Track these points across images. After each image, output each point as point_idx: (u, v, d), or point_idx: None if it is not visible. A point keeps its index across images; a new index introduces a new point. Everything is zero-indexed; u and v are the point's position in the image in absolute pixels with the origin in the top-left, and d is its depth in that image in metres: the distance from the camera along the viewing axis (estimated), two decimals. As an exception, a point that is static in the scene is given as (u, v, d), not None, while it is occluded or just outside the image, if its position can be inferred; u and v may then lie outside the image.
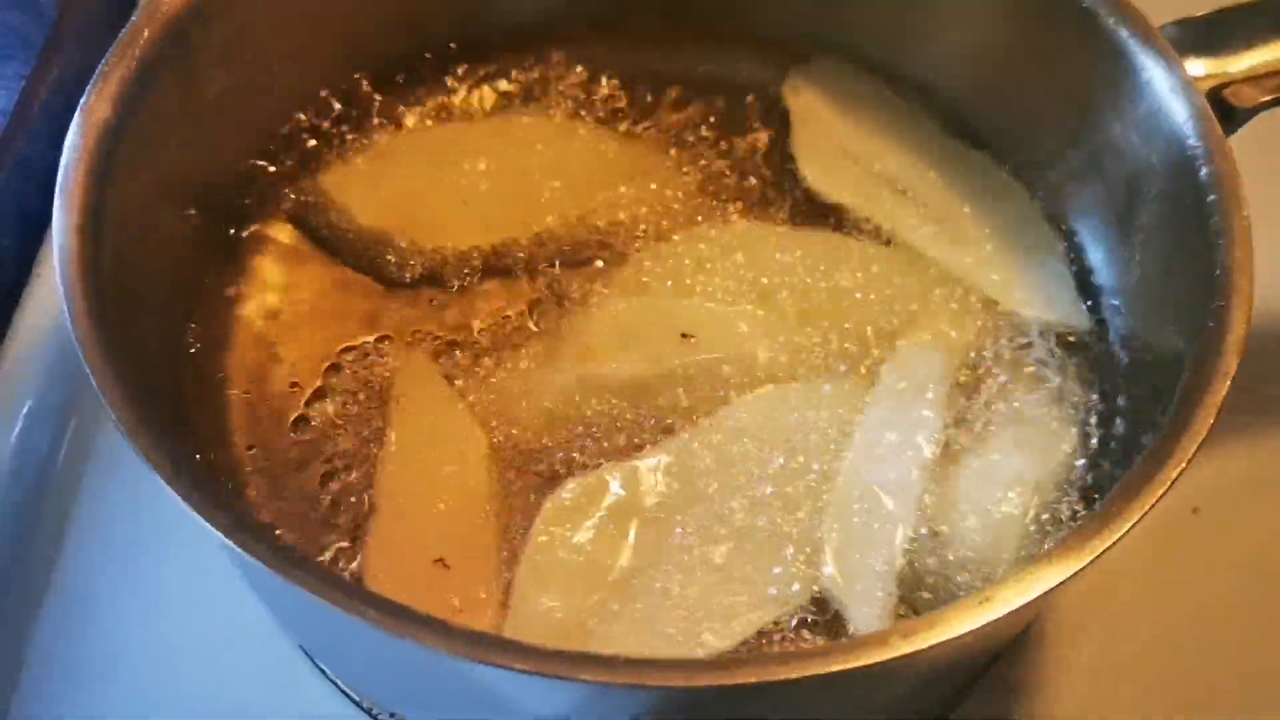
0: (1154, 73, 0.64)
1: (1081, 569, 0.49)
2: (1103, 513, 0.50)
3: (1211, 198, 0.59)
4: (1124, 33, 0.66)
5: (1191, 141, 0.61)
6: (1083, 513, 0.64)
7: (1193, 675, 0.68)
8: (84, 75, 0.85)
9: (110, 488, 0.74)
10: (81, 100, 0.59)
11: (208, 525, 0.48)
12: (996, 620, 0.47)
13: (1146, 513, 0.49)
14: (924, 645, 0.46)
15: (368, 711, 0.67)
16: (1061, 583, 0.48)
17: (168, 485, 0.49)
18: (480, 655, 0.46)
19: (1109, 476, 0.64)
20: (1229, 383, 0.52)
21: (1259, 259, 0.57)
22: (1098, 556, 0.49)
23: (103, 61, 0.61)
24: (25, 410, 0.76)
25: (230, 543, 0.48)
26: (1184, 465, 0.50)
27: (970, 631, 0.46)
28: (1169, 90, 0.63)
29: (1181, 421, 0.52)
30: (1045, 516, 0.64)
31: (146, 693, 0.68)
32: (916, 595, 0.62)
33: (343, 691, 0.68)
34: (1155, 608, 0.70)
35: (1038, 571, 0.48)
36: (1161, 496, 0.50)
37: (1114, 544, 0.49)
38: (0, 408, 0.75)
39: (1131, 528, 0.49)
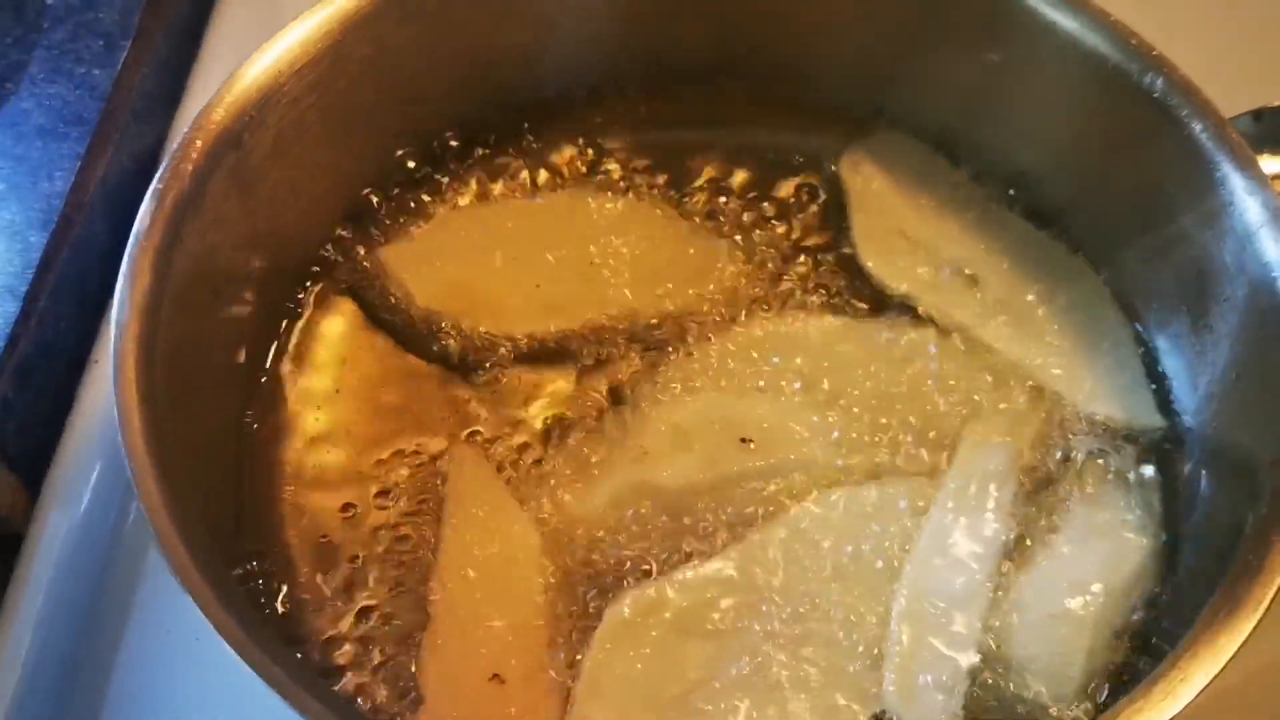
0: (1227, 170, 0.62)
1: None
2: (1176, 662, 0.49)
3: (1292, 307, 0.57)
4: (1196, 125, 0.64)
5: (1267, 246, 0.59)
6: (1165, 620, 0.62)
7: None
8: (140, 153, 0.87)
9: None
10: (135, 224, 0.59)
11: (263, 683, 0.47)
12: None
13: (1227, 664, 0.48)
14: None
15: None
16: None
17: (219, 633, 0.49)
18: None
19: (1182, 586, 0.62)
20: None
21: None
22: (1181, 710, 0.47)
23: (156, 178, 0.61)
24: (89, 488, 0.75)
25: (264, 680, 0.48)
26: (1244, 637, 0.48)
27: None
28: (1243, 190, 0.61)
29: (1254, 567, 0.50)
30: (1116, 626, 0.62)
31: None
32: (983, 712, 0.60)
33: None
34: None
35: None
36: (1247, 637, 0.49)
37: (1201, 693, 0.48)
38: (65, 486, 0.75)
39: (1215, 677, 0.48)
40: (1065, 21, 0.67)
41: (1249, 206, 0.61)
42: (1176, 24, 0.70)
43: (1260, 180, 0.61)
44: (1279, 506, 0.52)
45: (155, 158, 0.87)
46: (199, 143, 0.62)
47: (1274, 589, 0.50)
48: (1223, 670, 0.48)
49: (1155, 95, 0.64)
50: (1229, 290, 0.62)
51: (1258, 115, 0.64)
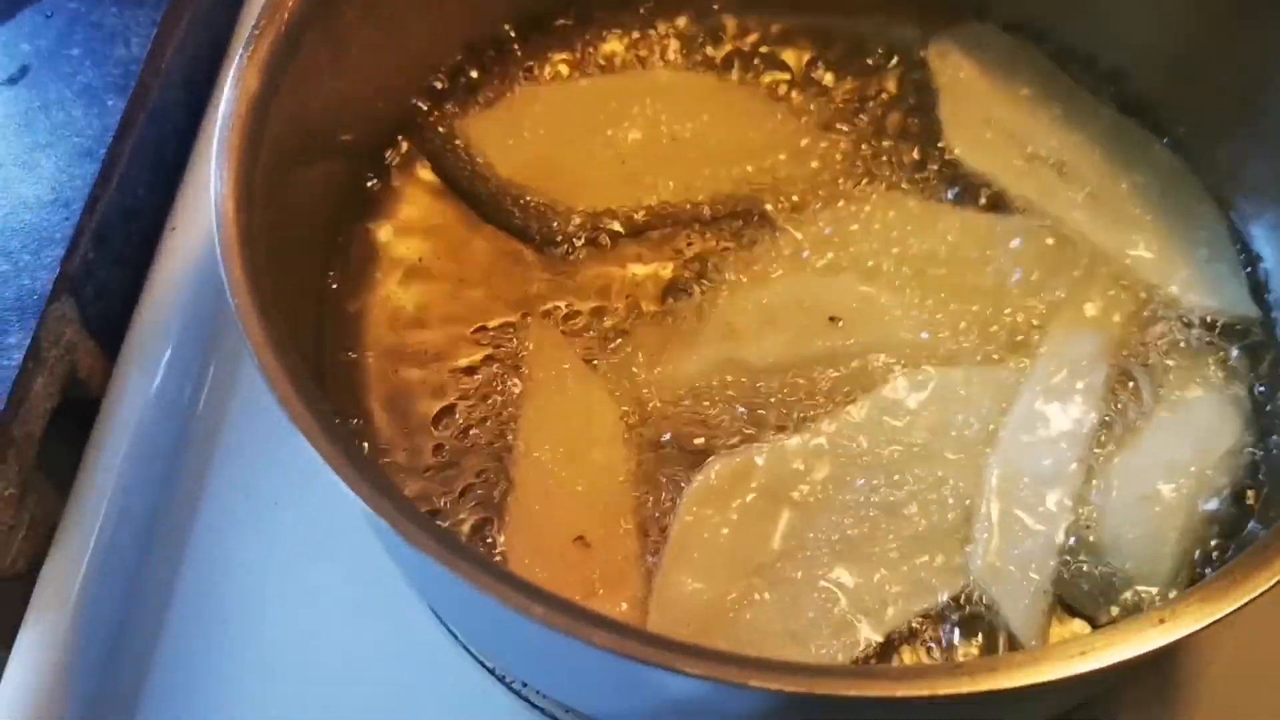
0: (1343, 47, 0.61)
1: (1259, 595, 0.47)
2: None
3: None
4: (1309, 5, 0.62)
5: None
6: (1248, 504, 0.61)
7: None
8: (214, 22, 0.86)
9: (249, 435, 0.74)
10: (231, 71, 0.58)
11: (352, 494, 0.47)
12: (1171, 643, 0.45)
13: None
14: (1087, 667, 0.45)
15: (501, 679, 0.67)
16: (1238, 608, 0.46)
17: (314, 449, 0.49)
18: (634, 651, 0.45)
19: (1276, 474, 0.62)
20: None
21: None
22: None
23: (252, 27, 0.60)
24: (166, 358, 0.75)
25: (374, 513, 0.48)
26: None
27: (1142, 654, 0.45)
28: (1360, 68, 0.60)
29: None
30: (1208, 510, 0.62)
31: (278, 646, 0.68)
32: (1071, 593, 0.60)
33: (475, 658, 0.68)
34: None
35: (1216, 596, 0.46)
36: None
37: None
38: (142, 356, 0.75)
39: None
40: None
41: (1365, 87, 0.59)
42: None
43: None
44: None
45: (230, 30, 0.86)
46: (292, -4, 0.61)
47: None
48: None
49: (1266, -27, 0.63)
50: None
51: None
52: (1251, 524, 0.62)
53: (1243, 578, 0.47)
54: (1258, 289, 0.68)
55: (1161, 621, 0.44)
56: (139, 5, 0.83)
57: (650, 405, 0.65)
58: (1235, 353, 0.66)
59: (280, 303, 0.58)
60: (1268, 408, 0.64)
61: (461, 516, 0.64)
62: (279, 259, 0.61)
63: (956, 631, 0.60)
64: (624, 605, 0.60)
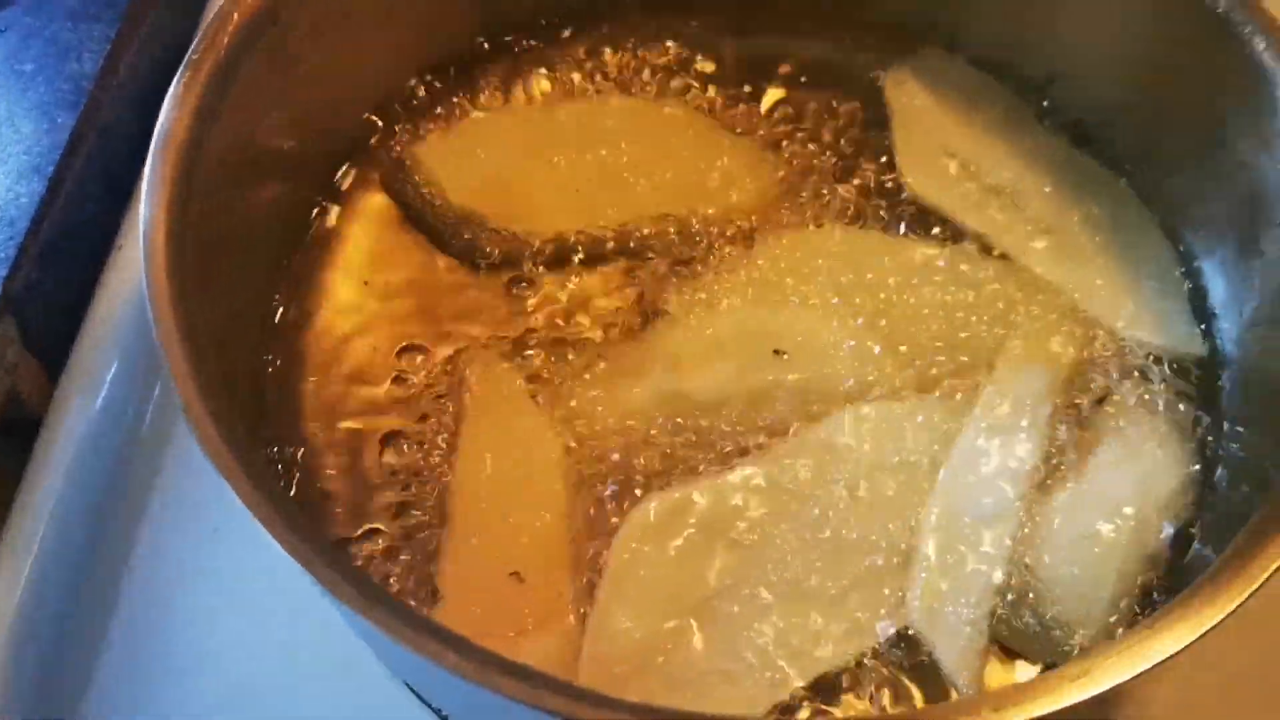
0: (1290, 88, 0.60)
1: (1192, 642, 0.46)
2: (1213, 578, 0.48)
3: (1346, 236, 0.55)
4: (1259, 42, 0.62)
5: (1327, 170, 0.58)
6: (1195, 547, 0.61)
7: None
8: (170, 37, 0.86)
9: (192, 457, 0.71)
10: (168, 96, 0.58)
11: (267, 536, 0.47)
12: (1097, 696, 0.45)
13: (1262, 584, 0.47)
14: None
15: (437, 711, 0.66)
16: (1170, 657, 0.46)
17: (233, 490, 0.48)
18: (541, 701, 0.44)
19: (1216, 511, 0.61)
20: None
21: None
22: (1211, 628, 0.46)
23: (190, 50, 0.59)
24: (110, 375, 0.75)
25: (293, 559, 0.48)
26: (1267, 576, 0.47)
27: (1067, 707, 0.44)
28: (1306, 110, 0.59)
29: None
30: (1148, 550, 0.61)
31: (218, 673, 0.68)
32: (1008, 634, 0.60)
33: (412, 690, 0.67)
34: (1243, 644, 0.66)
35: (1142, 644, 0.46)
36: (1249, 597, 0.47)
37: (1229, 615, 0.47)
38: (86, 373, 0.75)
39: (1247, 598, 0.47)
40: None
41: (1312, 130, 0.59)
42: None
43: (1325, 100, 0.59)
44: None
45: (185, 46, 0.85)
46: (235, 15, 0.61)
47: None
48: (1245, 601, 0.47)
49: (1217, 10, 0.62)
50: (1281, 214, 0.60)
51: (1326, 34, 0.62)
52: (1195, 546, 0.61)
53: (1166, 629, 0.47)
54: (1206, 324, 0.67)
55: (1080, 677, 0.44)
56: (94, 20, 0.83)
57: (591, 439, 0.65)
58: (1181, 389, 0.66)
59: (216, 331, 0.57)
60: (1212, 445, 0.64)
61: (399, 547, 0.63)
62: (219, 284, 0.61)
63: (893, 672, 0.59)
64: (556, 642, 0.59)
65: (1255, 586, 0.48)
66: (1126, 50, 0.70)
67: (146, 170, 0.56)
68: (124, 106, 0.82)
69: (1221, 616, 0.47)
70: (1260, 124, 0.61)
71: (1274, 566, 0.49)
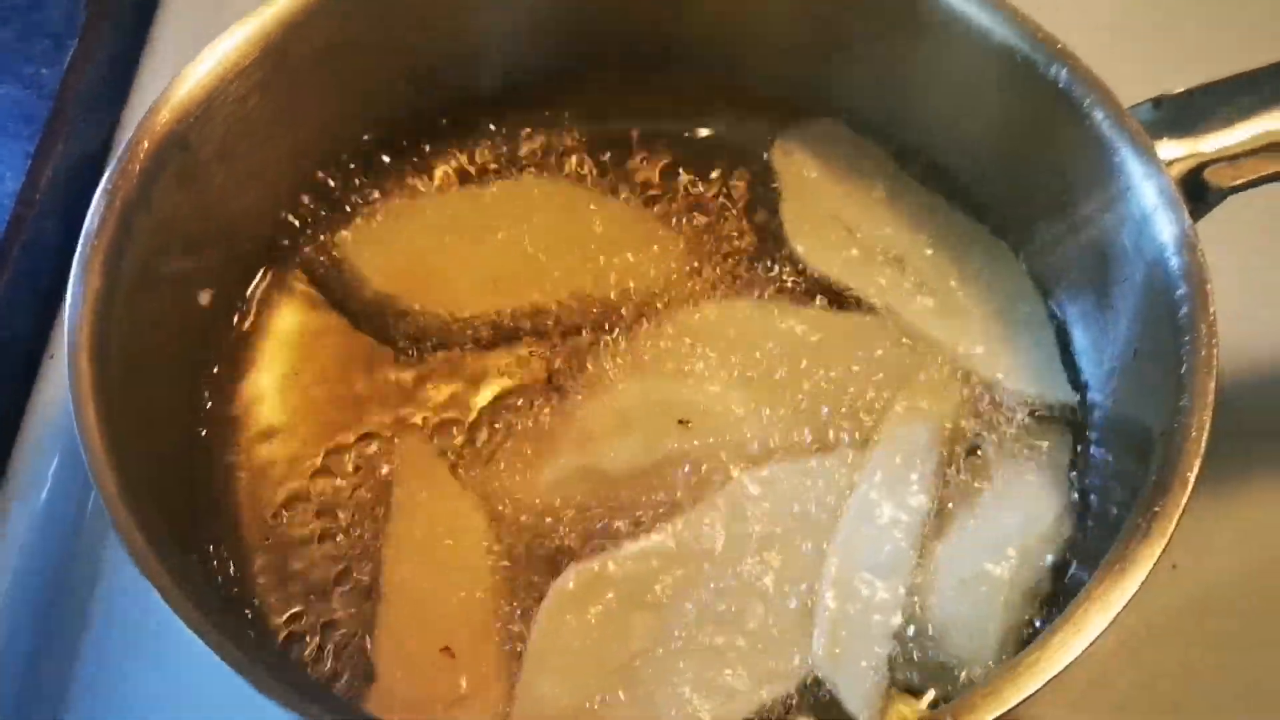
0: (1125, 155, 0.65)
1: (1059, 671, 0.51)
2: (1074, 614, 0.53)
3: (1181, 290, 0.60)
4: (1098, 113, 0.66)
5: (1161, 230, 0.63)
6: (1072, 573, 0.66)
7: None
8: (89, 150, 0.89)
9: None
10: (85, 226, 0.61)
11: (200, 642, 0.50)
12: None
13: (1111, 623, 0.52)
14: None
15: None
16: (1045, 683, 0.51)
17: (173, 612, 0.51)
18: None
19: (1090, 538, 0.66)
20: (1189, 490, 0.54)
21: (1232, 306, 0.59)
22: (1071, 661, 0.51)
23: (104, 179, 0.63)
24: (50, 477, 0.77)
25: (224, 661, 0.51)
26: (1135, 591, 0.52)
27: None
28: (1140, 175, 0.64)
29: (1141, 530, 0.54)
30: (1029, 587, 0.66)
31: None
32: (907, 672, 0.64)
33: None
34: (1133, 662, 0.72)
35: (1004, 689, 0.51)
36: (1121, 610, 0.52)
37: (1089, 647, 0.52)
38: (25, 476, 0.78)
39: (1098, 638, 0.51)
40: (977, 15, 0.70)
41: (1145, 191, 0.64)
42: (1083, 16, 0.74)
43: (1156, 165, 0.64)
44: (1166, 475, 0.56)
45: (104, 155, 0.89)
46: (145, 144, 0.64)
47: (1160, 551, 0.53)
48: (1110, 626, 0.52)
49: (1060, 85, 0.67)
50: (1128, 271, 0.65)
51: (1157, 102, 0.67)
52: (1073, 570, 0.66)
53: (1051, 651, 0.52)
54: (1076, 376, 0.72)
55: (952, 718, 0.48)
56: (14, 138, 0.86)
57: (513, 514, 0.68)
58: (1056, 433, 0.71)
59: (143, 432, 0.61)
60: (1085, 481, 0.69)
61: (334, 629, 0.66)
62: (144, 387, 0.64)
63: (805, 715, 0.63)
64: (487, 713, 0.63)
65: (1128, 598, 0.53)
66: (984, 116, 0.74)
67: (67, 300, 0.59)
68: (46, 219, 0.84)
69: (1102, 628, 0.52)
70: (1103, 188, 0.66)
71: (1142, 575, 0.53)
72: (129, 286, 0.63)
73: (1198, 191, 0.65)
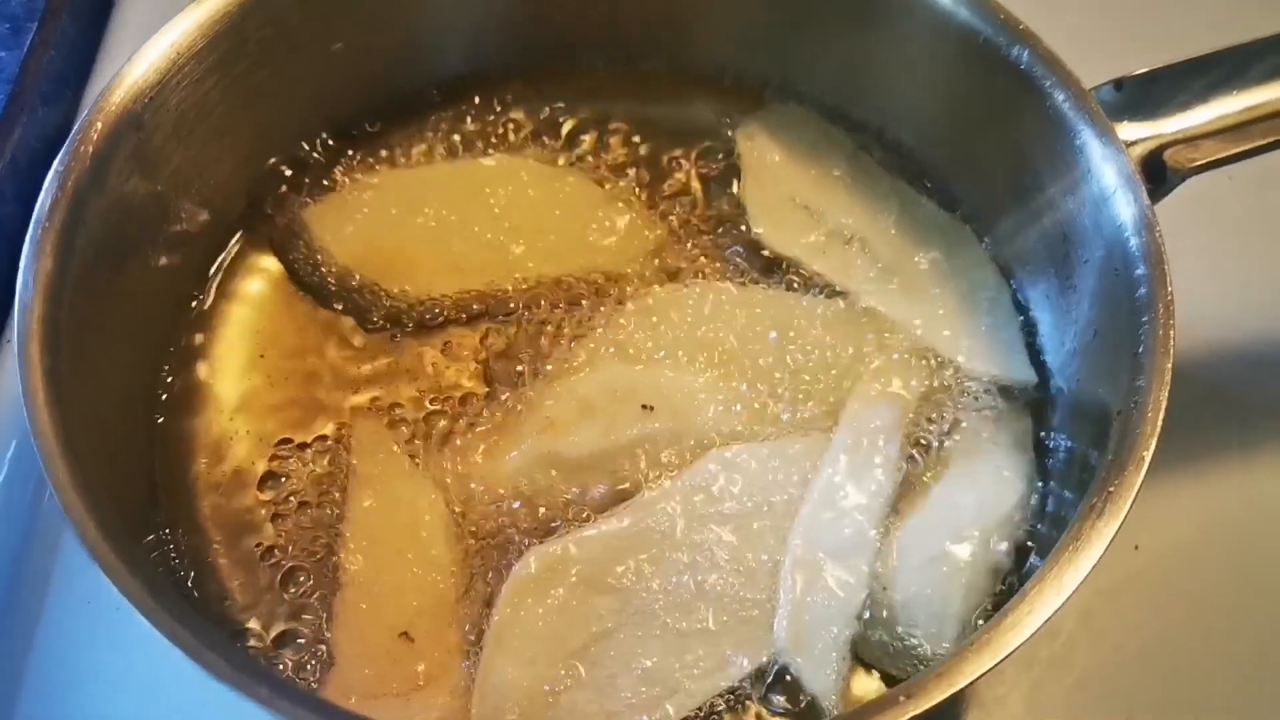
0: (1086, 137, 0.66)
1: (1010, 653, 0.51)
2: (1027, 594, 0.53)
3: (1139, 271, 0.61)
4: (1059, 95, 0.67)
5: (1120, 210, 0.63)
6: (1031, 560, 0.66)
7: (1133, 710, 0.71)
8: (48, 135, 0.88)
9: None
10: (36, 207, 0.61)
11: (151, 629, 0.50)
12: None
13: (1062, 605, 0.52)
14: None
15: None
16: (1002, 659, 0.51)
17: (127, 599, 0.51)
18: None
19: (1047, 522, 0.67)
20: (1144, 470, 0.54)
21: (1191, 288, 0.59)
22: (1023, 642, 0.51)
23: (56, 160, 0.62)
24: (6, 461, 0.77)
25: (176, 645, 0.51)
26: (1088, 571, 0.52)
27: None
28: (1100, 156, 0.65)
29: (1095, 510, 0.54)
30: (991, 565, 0.66)
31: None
32: (869, 652, 0.64)
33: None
34: (1095, 642, 0.72)
35: (962, 666, 0.51)
36: (1074, 591, 0.52)
37: (1044, 625, 0.52)
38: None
39: (1050, 617, 0.52)
40: (938, -4, 0.70)
41: (1105, 172, 0.64)
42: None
43: (1116, 146, 0.64)
44: (1122, 455, 0.56)
45: (63, 140, 0.87)
46: (99, 124, 0.64)
47: (1114, 531, 0.53)
48: (1067, 602, 0.52)
49: (1021, 67, 0.68)
50: (1088, 253, 0.66)
51: (1118, 84, 0.67)
52: (1032, 558, 0.66)
53: (1006, 629, 0.52)
54: (1037, 357, 0.72)
55: (905, 698, 0.48)
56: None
57: (474, 499, 0.68)
58: (1018, 415, 0.71)
59: (100, 418, 0.60)
60: (1044, 464, 0.69)
61: (291, 613, 0.66)
62: (99, 370, 0.63)
63: (767, 698, 0.63)
64: (447, 697, 0.62)
65: (1081, 578, 0.53)
66: (945, 98, 0.75)
67: (19, 282, 0.59)
68: (5, 203, 0.83)
69: (1056, 608, 0.52)
70: (1064, 169, 0.66)
71: (1096, 555, 0.54)
72: (83, 269, 0.62)
73: (1158, 173, 0.65)
